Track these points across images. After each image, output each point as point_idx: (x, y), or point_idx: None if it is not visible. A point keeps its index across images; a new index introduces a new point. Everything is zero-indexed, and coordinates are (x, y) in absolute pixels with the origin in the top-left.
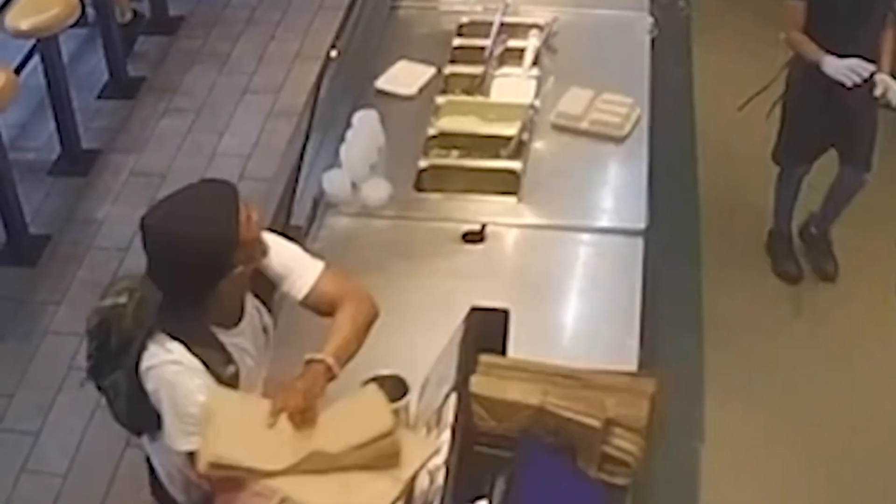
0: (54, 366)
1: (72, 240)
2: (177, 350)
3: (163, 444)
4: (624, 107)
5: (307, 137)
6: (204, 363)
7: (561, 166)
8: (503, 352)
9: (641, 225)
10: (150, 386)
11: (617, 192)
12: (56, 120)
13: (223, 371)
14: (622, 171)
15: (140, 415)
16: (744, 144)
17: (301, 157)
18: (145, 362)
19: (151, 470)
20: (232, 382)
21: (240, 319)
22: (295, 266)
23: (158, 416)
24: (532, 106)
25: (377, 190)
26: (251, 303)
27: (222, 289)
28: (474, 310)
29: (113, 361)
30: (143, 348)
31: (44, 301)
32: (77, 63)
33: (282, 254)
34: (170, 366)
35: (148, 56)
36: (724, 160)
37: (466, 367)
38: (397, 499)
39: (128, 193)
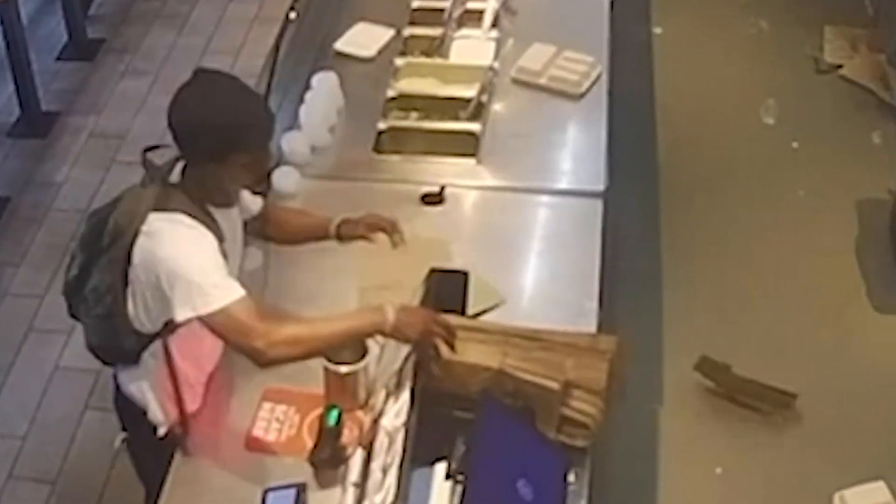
0: (14, 327)
1: (31, 202)
2: (179, 217)
3: (140, 368)
4: (584, 65)
5: (266, 99)
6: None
7: (520, 128)
8: (462, 313)
9: (601, 187)
10: (151, 252)
11: (576, 153)
12: (15, 82)
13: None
14: (581, 133)
15: (117, 324)
16: (702, 104)
17: None
18: (146, 227)
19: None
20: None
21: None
22: None
23: (135, 335)
24: (491, 67)
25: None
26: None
27: (224, 170)
28: (434, 271)
29: (101, 257)
30: (141, 223)
31: (3, 263)
32: (36, 25)
33: None
34: (178, 225)
35: (107, 18)
36: (684, 120)
37: None
38: None
39: (87, 155)
